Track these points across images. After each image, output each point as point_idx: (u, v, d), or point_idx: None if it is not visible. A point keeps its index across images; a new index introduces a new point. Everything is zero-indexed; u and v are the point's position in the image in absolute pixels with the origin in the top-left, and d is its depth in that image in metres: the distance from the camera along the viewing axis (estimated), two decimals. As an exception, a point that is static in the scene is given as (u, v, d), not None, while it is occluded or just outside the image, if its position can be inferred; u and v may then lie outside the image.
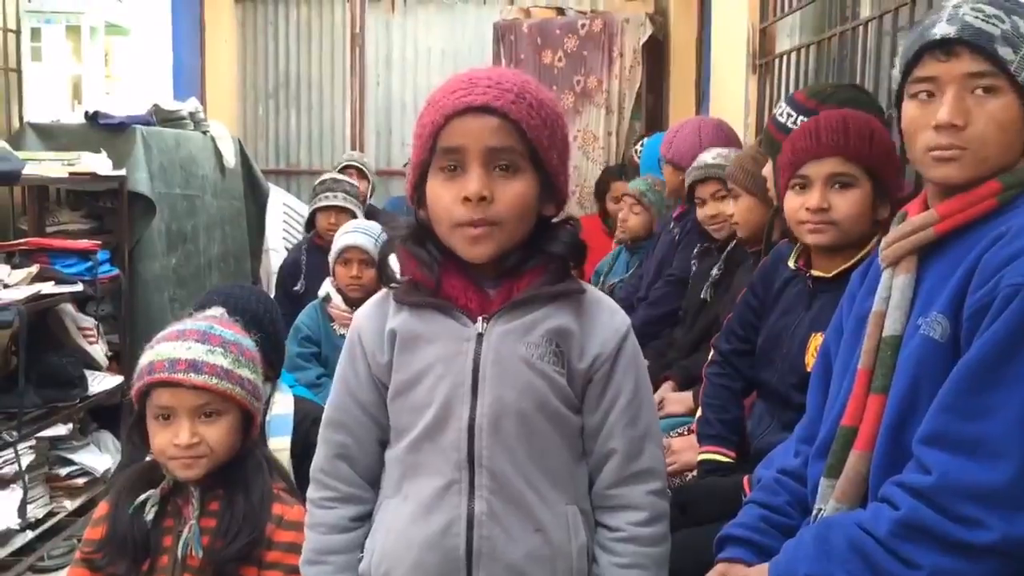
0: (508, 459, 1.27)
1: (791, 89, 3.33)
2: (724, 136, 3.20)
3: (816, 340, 1.83)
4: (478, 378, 1.27)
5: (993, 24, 1.32)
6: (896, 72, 1.44)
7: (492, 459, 1.27)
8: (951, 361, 1.31)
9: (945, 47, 1.35)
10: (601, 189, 4.77)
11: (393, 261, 1.35)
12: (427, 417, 1.29)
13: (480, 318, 1.28)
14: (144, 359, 1.63)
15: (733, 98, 3.93)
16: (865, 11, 2.82)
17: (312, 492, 1.40)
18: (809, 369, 1.79)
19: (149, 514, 1.61)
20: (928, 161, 1.38)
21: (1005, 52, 1.31)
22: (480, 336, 1.28)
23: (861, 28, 2.73)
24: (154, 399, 1.62)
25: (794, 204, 1.86)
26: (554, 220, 1.33)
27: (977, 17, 1.33)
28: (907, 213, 1.47)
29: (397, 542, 1.31)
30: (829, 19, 3.13)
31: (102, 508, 1.68)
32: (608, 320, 1.32)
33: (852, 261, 1.81)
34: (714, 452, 2.06)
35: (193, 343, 1.61)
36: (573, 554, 1.31)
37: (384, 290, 1.36)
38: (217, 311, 1.77)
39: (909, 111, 1.40)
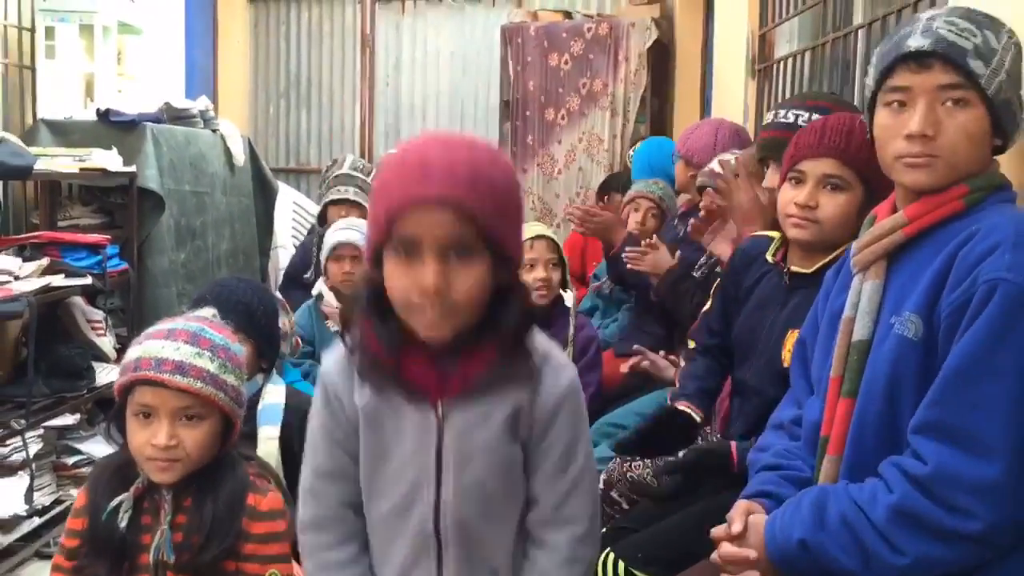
0: (471, 530, 1.36)
1: (789, 93, 3.38)
2: (740, 141, 3.21)
3: (792, 336, 1.86)
4: (441, 464, 1.33)
5: (965, 38, 1.36)
6: (869, 80, 1.49)
7: (457, 534, 1.35)
8: (925, 359, 1.36)
9: (919, 59, 1.39)
10: (601, 196, 4.81)
11: None
12: (395, 497, 1.36)
13: (439, 403, 1.32)
14: (132, 353, 1.62)
15: (734, 102, 3.98)
16: (858, 18, 2.87)
17: (313, 538, 1.41)
18: (786, 365, 1.84)
19: (123, 520, 1.60)
20: (899, 167, 1.43)
21: (976, 65, 1.36)
22: (440, 428, 1.32)
23: (853, 35, 2.78)
24: (136, 396, 1.60)
25: (786, 196, 1.90)
26: (505, 287, 1.31)
27: (951, 31, 1.37)
28: (876, 216, 1.52)
29: None
30: (824, 25, 3.17)
31: (81, 498, 1.69)
32: (553, 383, 1.35)
33: (830, 257, 1.85)
34: (686, 407, 2.05)
35: (182, 344, 1.59)
36: None
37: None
38: (209, 312, 1.76)
39: (882, 119, 1.45)
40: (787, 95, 3.39)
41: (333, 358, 1.39)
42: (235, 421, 1.66)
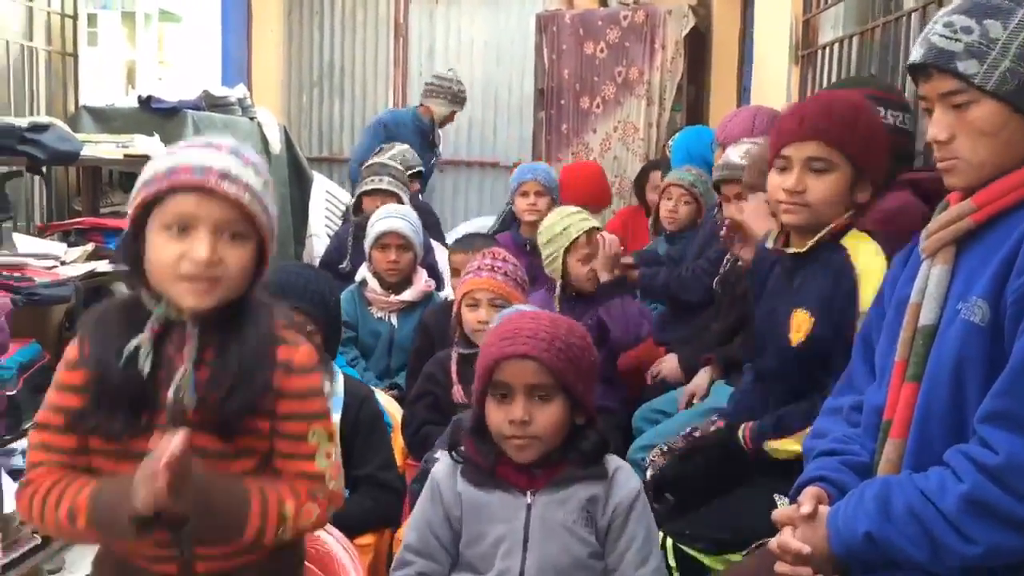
0: None
1: (834, 79, 3.34)
2: None
3: (798, 315, 1.91)
4: (528, 539, 1.67)
5: (957, 40, 1.37)
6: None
7: None
8: (991, 345, 1.35)
9: (920, 70, 1.42)
10: (640, 183, 4.80)
11: None
12: (490, 568, 1.68)
13: (529, 492, 1.69)
14: (159, 165, 1.35)
15: (775, 89, 3.95)
16: (909, 2, 2.83)
17: None
18: (792, 344, 1.90)
19: (145, 364, 1.36)
20: (942, 171, 1.46)
21: (968, 66, 1.36)
22: (529, 507, 1.68)
23: (904, 19, 2.75)
24: (170, 207, 1.33)
25: (775, 183, 1.93)
26: (583, 424, 1.72)
27: (943, 35, 1.38)
28: (949, 203, 1.51)
29: None
30: (873, 10, 3.13)
31: (73, 351, 1.42)
32: (624, 483, 1.71)
33: (821, 233, 1.89)
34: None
35: (227, 154, 1.36)
36: None
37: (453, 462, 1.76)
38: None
39: (925, 124, 1.49)
40: (833, 81, 3.35)
41: (443, 462, 1.78)
42: (266, 255, 1.43)
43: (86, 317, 1.46)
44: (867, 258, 1.86)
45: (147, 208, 1.34)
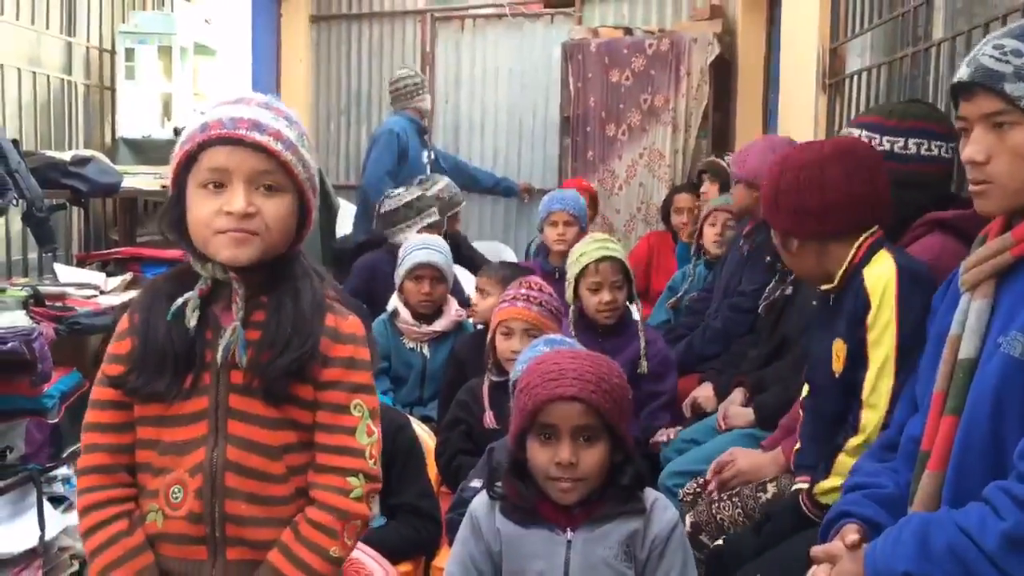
0: None
1: (862, 108, 3.36)
2: None
3: (836, 345, 1.95)
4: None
5: (1006, 62, 1.38)
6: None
7: None
8: None
9: (965, 89, 1.44)
10: (666, 208, 4.81)
11: None
12: None
13: (568, 529, 1.69)
14: (193, 124, 1.38)
15: (802, 117, 3.97)
16: (938, 32, 2.85)
17: None
18: (836, 375, 1.96)
19: (191, 319, 1.36)
20: (973, 195, 1.48)
21: (1014, 88, 1.37)
22: (569, 543, 1.68)
23: (934, 49, 2.77)
24: (204, 163, 1.34)
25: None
26: (620, 460, 1.70)
27: (992, 57, 1.40)
28: (987, 236, 1.52)
29: None
30: (901, 39, 3.15)
31: (124, 322, 1.44)
32: (661, 515, 1.72)
33: (844, 266, 1.98)
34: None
35: (256, 107, 1.37)
36: None
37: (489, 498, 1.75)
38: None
39: (961, 146, 1.50)
40: (860, 109, 3.37)
41: (482, 499, 1.78)
42: (309, 209, 1.42)
43: (139, 294, 1.48)
44: (874, 273, 1.89)
45: (185, 169, 1.36)
